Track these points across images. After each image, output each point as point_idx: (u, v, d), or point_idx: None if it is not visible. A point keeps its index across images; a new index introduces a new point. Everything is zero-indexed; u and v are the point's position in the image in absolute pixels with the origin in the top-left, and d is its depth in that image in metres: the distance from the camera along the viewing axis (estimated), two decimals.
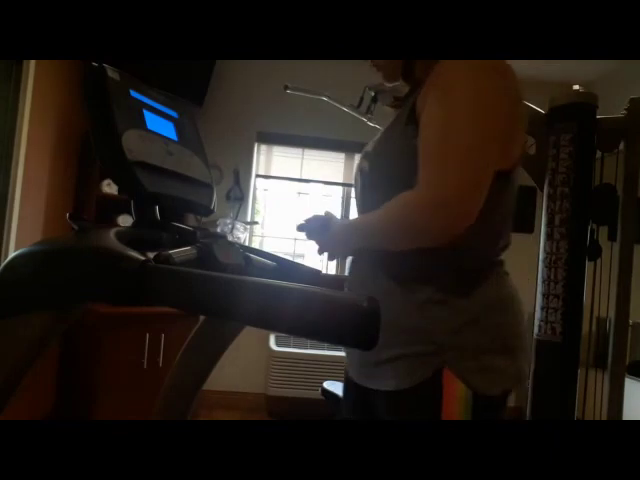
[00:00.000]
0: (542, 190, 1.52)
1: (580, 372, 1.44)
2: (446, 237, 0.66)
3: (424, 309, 0.73)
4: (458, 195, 0.65)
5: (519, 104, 0.75)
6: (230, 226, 2.89)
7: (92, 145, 0.82)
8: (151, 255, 0.68)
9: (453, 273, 0.74)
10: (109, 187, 2.62)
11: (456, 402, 0.70)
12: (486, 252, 0.77)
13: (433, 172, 0.66)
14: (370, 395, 0.80)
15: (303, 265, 1.08)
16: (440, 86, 0.71)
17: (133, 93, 0.91)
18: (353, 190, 0.95)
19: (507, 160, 0.74)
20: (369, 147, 0.85)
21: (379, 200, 0.75)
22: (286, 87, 2.11)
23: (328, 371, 2.89)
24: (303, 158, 3.31)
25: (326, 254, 0.92)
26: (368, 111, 1.80)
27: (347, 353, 0.90)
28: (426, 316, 0.73)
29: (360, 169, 0.85)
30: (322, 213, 0.94)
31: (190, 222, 2.52)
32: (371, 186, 0.82)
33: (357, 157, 3.01)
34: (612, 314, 1.45)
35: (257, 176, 3.33)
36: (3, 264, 0.70)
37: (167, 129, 0.98)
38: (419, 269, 0.75)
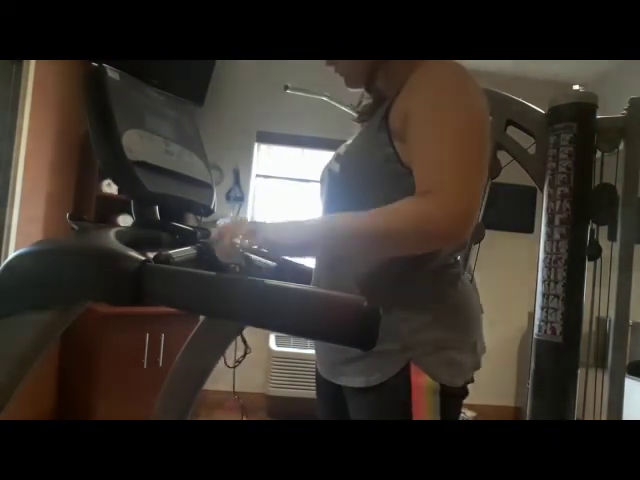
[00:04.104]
0: (542, 190, 1.52)
1: (580, 372, 1.44)
2: (454, 245, 0.70)
3: (391, 310, 0.76)
4: (470, 208, 0.68)
5: (488, 112, 0.78)
6: None
7: (92, 145, 0.82)
8: (151, 255, 0.68)
9: (417, 276, 0.78)
10: (109, 187, 2.62)
11: (424, 394, 0.75)
12: (445, 255, 0.80)
13: (449, 189, 0.67)
14: (341, 392, 0.84)
15: (303, 265, 1.08)
16: (433, 98, 0.73)
17: (133, 93, 0.91)
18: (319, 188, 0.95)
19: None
20: (341, 150, 0.86)
21: (347, 201, 0.80)
22: (286, 87, 2.11)
23: None
24: (303, 158, 3.32)
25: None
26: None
27: (316, 351, 0.92)
28: (392, 316, 0.76)
29: (329, 170, 0.87)
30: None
31: (190, 222, 2.51)
32: (340, 187, 0.84)
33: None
34: (612, 314, 1.45)
35: (257, 176, 3.33)
36: (3, 264, 0.70)
37: (167, 129, 0.98)
38: (387, 275, 0.78)
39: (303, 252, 0.83)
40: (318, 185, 0.96)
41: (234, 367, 0.95)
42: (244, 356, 0.98)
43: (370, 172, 0.79)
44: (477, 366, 0.82)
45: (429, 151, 0.71)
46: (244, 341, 1.00)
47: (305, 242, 0.73)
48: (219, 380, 2.90)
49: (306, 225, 0.75)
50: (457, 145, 0.70)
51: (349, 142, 0.87)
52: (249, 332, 1.01)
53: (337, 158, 0.86)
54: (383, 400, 0.77)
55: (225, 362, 0.99)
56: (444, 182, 0.68)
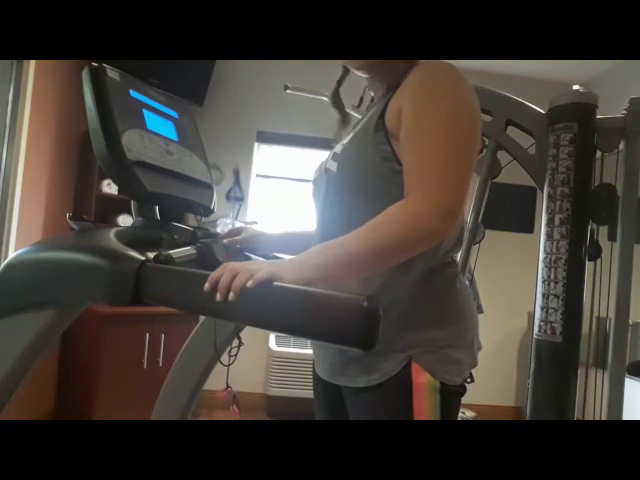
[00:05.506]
0: (542, 190, 1.52)
1: (580, 372, 1.44)
2: (446, 239, 0.70)
3: (390, 310, 0.76)
4: (458, 203, 0.70)
5: (478, 110, 0.78)
6: (230, 226, 2.89)
7: (92, 145, 0.82)
8: (151, 255, 0.68)
9: (415, 275, 0.79)
10: (109, 187, 2.62)
11: (425, 393, 0.75)
12: (442, 254, 0.81)
13: (435, 184, 0.69)
14: (340, 392, 0.84)
15: None
16: (423, 96, 0.74)
17: (133, 93, 0.91)
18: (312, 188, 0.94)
19: None
20: (338, 149, 0.86)
21: (345, 200, 0.81)
22: (286, 87, 2.11)
23: None
24: (303, 158, 3.32)
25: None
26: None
27: (315, 352, 0.91)
28: (392, 316, 0.76)
29: (326, 169, 0.86)
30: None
31: (190, 222, 2.51)
32: (338, 186, 0.84)
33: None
34: (612, 314, 1.45)
35: (257, 176, 3.33)
36: (4, 264, 0.70)
37: (167, 129, 0.98)
38: (386, 275, 0.78)
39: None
40: (311, 185, 0.95)
41: (228, 365, 0.95)
42: (238, 349, 0.98)
43: (368, 170, 0.79)
44: (474, 364, 0.83)
45: (414, 150, 0.73)
46: (238, 337, 0.99)
47: (311, 279, 0.67)
48: (219, 380, 2.90)
49: (309, 264, 0.69)
50: (440, 143, 0.71)
51: (345, 141, 0.87)
52: (249, 332, 1.01)
53: (334, 157, 0.85)
54: (384, 399, 0.77)
55: (220, 361, 0.99)
56: (426, 179, 0.70)
